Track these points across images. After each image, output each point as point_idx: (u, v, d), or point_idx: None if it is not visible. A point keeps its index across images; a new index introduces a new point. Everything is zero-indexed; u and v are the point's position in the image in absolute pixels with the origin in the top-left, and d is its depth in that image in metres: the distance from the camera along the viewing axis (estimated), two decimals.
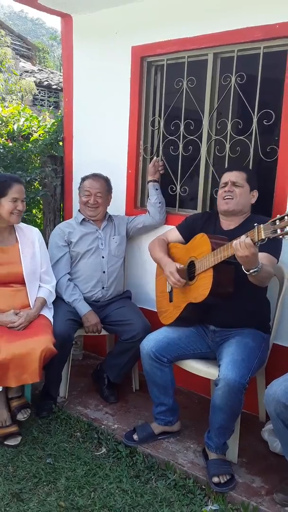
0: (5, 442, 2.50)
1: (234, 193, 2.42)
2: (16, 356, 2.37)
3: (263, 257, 2.19)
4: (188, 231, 2.63)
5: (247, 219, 2.47)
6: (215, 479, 2.23)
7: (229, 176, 2.46)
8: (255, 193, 2.49)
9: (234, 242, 2.03)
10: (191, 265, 2.43)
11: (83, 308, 2.89)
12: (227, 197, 2.43)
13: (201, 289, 2.30)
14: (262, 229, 1.92)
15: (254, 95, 2.65)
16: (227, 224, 2.50)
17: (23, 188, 2.67)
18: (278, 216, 1.85)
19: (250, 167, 2.70)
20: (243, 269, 2.08)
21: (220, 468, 2.27)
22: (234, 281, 2.23)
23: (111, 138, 3.32)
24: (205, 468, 2.34)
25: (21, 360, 2.38)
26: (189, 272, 2.45)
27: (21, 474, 2.31)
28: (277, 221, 1.85)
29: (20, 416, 2.58)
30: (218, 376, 2.21)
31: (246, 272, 2.08)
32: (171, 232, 2.75)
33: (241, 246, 1.99)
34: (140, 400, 2.97)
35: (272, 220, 1.89)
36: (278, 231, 1.84)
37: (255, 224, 1.97)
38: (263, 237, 1.92)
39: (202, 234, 2.38)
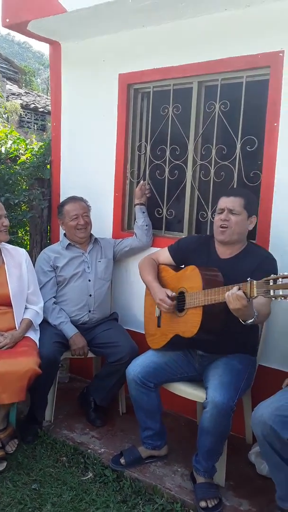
0: None
1: (230, 221, 2.33)
2: None
3: None
4: (179, 254, 2.59)
5: (244, 250, 2.41)
6: (203, 504, 2.22)
7: (226, 203, 2.35)
8: (254, 219, 2.40)
9: (226, 293, 2.00)
10: (181, 295, 2.40)
11: (70, 331, 2.89)
12: (222, 225, 2.34)
13: (190, 325, 2.28)
14: (255, 286, 1.90)
15: (238, 122, 2.73)
16: (223, 251, 2.43)
17: (1, 204, 2.70)
18: (273, 276, 1.85)
19: None
20: (240, 319, 2.04)
21: (207, 492, 2.26)
22: (223, 319, 2.16)
23: (98, 162, 3.37)
24: (193, 492, 2.33)
25: (3, 378, 2.35)
26: (179, 302, 2.41)
27: (6, 501, 2.27)
28: (271, 281, 1.84)
29: (8, 449, 2.56)
30: (206, 399, 2.22)
31: (243, 323, 2.04)
32: (162, 253, 2.68)
33: (232, 298, 1.95)
34: (127, 424, 2.95)
35: (266, 279, 1.87)
36: (271, 292, 1.83)
37: (248, 279, 1.94)
38: (255, 294, 1.90)
39: (193, 267, 2.32)
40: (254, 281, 1.92)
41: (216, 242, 2.46)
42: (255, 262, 2.32)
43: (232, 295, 1.96)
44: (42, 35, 3.35)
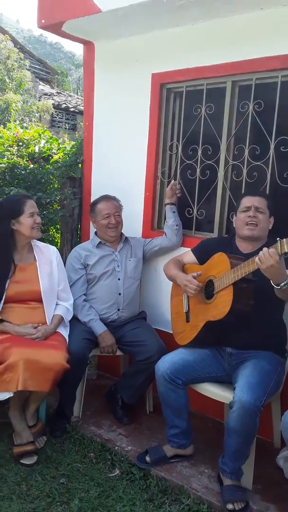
0: (21, 461, 2.50)
1: (258, 218, 2.43)
2: (27, 360, 2.39)
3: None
4: (202, 254, 2.65)
5: (264, 245, 2.44)
6: (230, 506, 2.20)
7: (253, 201, 2.46)
8: (272, 219, 2.52)
9: (258, 256, 2.05)
10: (209, 285, 2.44)
11: (99, 328, 2.92)
12: (251, 222, 2.43)
13: (221, 306, 2.31)
14: (285, 242, 1.96)
15: (272, 122, 2.70)
16: (245, 247, 2.51)
17: (34, 202, 2.76)
18: None
19: (267, 192, 2.74)
20: (272, 283, 2.08)
21: (234, 494, 2.24)
22: (253, 297, 2.24)
23: (130, 161, 3.39)
24: (219, 494, 2.32)
25: (31, 365, 2.39)
26: (207, 291, 2.46)
27: (35, 494, 2.31)
28: None
29: (37, 445, 2.61)
30: (233, 398, 2.21)
31: (276, 287, 2.07)
32: (186, 255, 2.78)
33: (265, 256, 2.01)
34: (154, 422, 2.96)
35: None
36: None
37: (278, 239, 2.00)
38: (286, 250, 1.95)
39: (220, 253, 2.40)
40: (284, 239, 1.97)
41: (238, 239, 2.54)
42: None
43: (265, 254, 2.02)
44: (77, 35, 3.39)
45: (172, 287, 2.82)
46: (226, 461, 2.30)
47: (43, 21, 3.26)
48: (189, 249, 2.80)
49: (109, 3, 2.82)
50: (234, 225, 2.58)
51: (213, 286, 2.40)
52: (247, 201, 2.48)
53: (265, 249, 2.03)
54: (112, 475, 2.48)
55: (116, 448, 2.68)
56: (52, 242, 3.98)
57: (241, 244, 2.53)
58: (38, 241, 2.87)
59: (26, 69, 11.74)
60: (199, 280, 2.50)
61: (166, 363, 2.48)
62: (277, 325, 2.48)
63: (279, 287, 2.07)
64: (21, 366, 2.36)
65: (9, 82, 10.48)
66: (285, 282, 2.06)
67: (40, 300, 2.73)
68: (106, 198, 3.12)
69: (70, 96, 15.61)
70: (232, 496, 2.23)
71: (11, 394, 2.46)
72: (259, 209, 2.44)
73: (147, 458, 2.53)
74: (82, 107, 3.79)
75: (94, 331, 2.91)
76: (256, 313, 2.26)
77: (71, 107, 13.63)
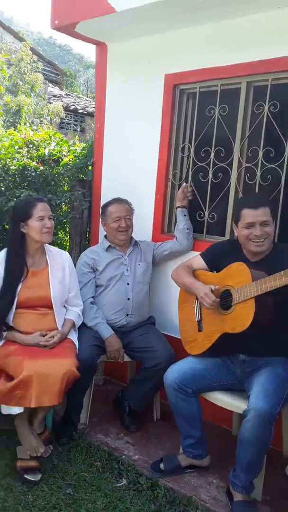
0: (25, 476, 2.40)
1: (265, 234, 2.28)
2: (39, 374, 2.33)
3: None
4: (212, 259, 2.58)
5: (270, 251, 2.38)
6: None
7: (256, 216, 2.26)
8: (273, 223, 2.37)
9: None
10: (225, 295, 2.37)
11: (106, 332, 2.86)
12: (259, 241, 2.28)
13: (240, 319, 2.24)
14: None
15: (287, 124, 2.63)
16: (251, 256, 2.39)
17: (47, 205, 2.68)
18: None
19: (281, 195, 2.67)
20: None
21: (245, 510, 2.17)
22: (273, 311, 2.17)
23: (141, 163, 3.33)
24: (228, 506, 2.25)
25: (43, 379, 2.33)
26: (223, 302, 2.38)
27: (41, 504, 2.25)
28: None
29: (43, 453, 2.53)
30: (248, 406, 2.13)
31: None
32: (195, 259, 2.68)
33: None
34: (161, 430, 2.90)
35: None
36: None
37: None
38: None
39: (240, 263, 2.29)
40: None
41: (246, 250, 2.41)
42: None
43: None
44: (90, 36, 3.34)
45: (180, 292, 2.74)
46: (238, 474, 2.22)
47: (56, 22, 3.21)
48: (197, 254, 2.70)
49: (124, 3, 2.75)
50: (236, 235, 2.45)
51: (230, 296, 2.32)
52: (249, 216, 2.28)
53: None
54: (119, 485, 2.42)
55: (123, 457, 2.61)
56: (61, 245, 3.93)
57: (248, 253, 2.42)
58: (51, 246, 2.82)
59: (38, 71, 11.72)
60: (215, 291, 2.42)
61: (174, 372, 2.41)
62: None
63: None
64: (34, 382, 2.31)
65: (22, 84, 10.45)
66: None
67: (50, 306, 2.67)
68: (117, 201, 3.07)
69: (79, 97, 15.62)
70: None
71: (21, 410, 2.41)
72: (265, 223, 2.27)
73: (161, 466, 2.47)
74: (91, 109, 3.74)
75: (101, 335, 2.85)
76: (275, 322, 2.20)
77: (80, 109, 13.63)
